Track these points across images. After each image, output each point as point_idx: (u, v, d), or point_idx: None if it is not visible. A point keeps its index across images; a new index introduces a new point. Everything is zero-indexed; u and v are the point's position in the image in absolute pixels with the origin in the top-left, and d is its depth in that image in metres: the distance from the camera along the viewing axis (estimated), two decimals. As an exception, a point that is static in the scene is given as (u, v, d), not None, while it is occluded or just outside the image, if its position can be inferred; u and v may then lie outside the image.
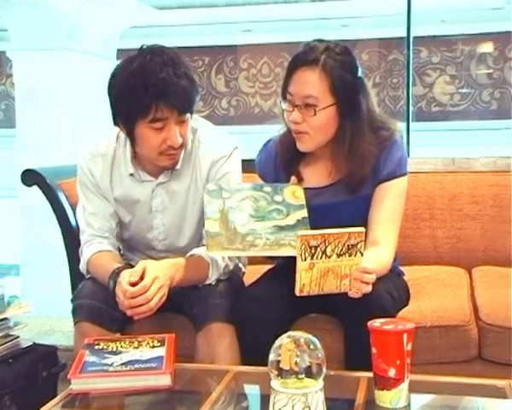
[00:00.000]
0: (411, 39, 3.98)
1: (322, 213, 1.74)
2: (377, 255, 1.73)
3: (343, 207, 1.80)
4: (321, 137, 1.77)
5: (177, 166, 1.85)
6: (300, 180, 1.86)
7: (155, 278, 1.66)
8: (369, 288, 1.58)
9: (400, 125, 1.92)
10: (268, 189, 1.78)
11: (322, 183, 1.85)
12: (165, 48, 1.76)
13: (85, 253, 1.87)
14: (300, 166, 1.87)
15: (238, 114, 6.35)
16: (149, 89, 1.67)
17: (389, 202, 1.80)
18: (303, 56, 1.75)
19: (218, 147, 1.87)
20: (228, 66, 6.41)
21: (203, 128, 1.90)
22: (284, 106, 1.79)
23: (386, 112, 1.88)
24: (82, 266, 1.89)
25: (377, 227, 1.78)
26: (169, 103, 1.69)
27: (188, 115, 1.77)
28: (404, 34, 4.01)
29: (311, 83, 1.72)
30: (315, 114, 1.73)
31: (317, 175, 1.86)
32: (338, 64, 1.73)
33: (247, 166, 1.99)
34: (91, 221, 1.89)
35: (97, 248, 1.87)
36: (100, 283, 1.81)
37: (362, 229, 1.55)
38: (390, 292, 1.71)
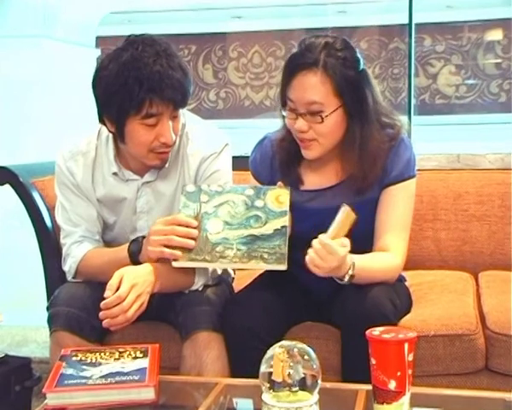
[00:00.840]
0: (414, 26, 3.99)
1: (323, 217, 1.72)
2: (379, 257, 1.75)
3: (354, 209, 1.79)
4: (330, 142, 1.77)
5: (165, 164, 1.85)
6: (301, 183, 1.86)
7: (133, 285, 1.66)
8: (318, 267, 1.58)
9: (404, 120, 1.92)
10: (250, 192, 1.77)
11: (324, 184, 1.86)
12: (157, 38, 1.76)
13: (76, 251, 1.87)
14: (301, 168, 1.87)
15: (227, 107, 6.35)
16: (143, 82, 1.67)
17: (398, 206, 1.80)
18: (301, 59, 1.73)
19: (208, 143, 1.87)
20: (216, 55, 6.41)
21: (191, 123, 1.91)
22: (285, 113, 1.78)
23: (382, 100, 1.87)
24: (70, 266, 1.88)
25: (385, 234, 1.79)
26: (164, 98, 1.69)
27: (181, 110, 1.78)
28: (406, 21, 4.03)
29: (314, 88, 1.71)
30: (322, 121, 1.72)
31: (320, 177, 1.86)
32: (340, 62, 1.72)
33: (238, 163, 1.99)
34: (77, 222, 1.89)
35: (91, 246, 1.87)
36: (80, 289, 1.81)
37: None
38: (391, 298, 1.72)
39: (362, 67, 1.76)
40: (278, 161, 1.88)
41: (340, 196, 1.81)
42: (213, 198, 1.75)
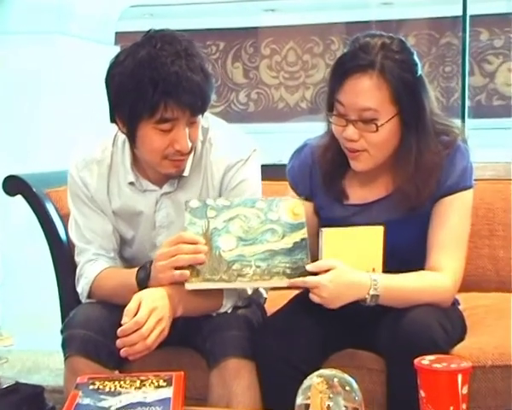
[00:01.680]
0: (468, 18, 3.98)
1: None
2: (422, 276, 1.75)
3: (396, 226, 1.79)
4: (382, 154, 1.78)
5: (185, 174, 1.87)
6: (345, 197, 1.87)
7: (152, 309, 1.67)
8: (324, 303, 1.65)
9: (461, 126, 1.92)
10: (262, 204, 1.78)
11: (371, 198, 1.86)
12: (178, 34, 1.78)
13: (89, 271, 1.90)
14: (346, 180, 1.88)
15: (259, 109, 6.37)
16: (159, 84, 1.69)
17: (452, 220, 1.80)
18: (355, 60, 1.73)
19: (234, 150, 1.89)
20: (247, 52, 6.44)
21: (215, 128, 1.92)
22: (332, 119, 1.78)
23: (437, 107, 1.87)
24: (82, 287, 1.91)
25: (437, 252, 1.78)
26: (180, 102, 1.71)
27: (200, 116, 1.79)
28: (460, 12, 4.02)
29: (368, 93, 1.71)
30: (376, 131, 1.72)
31: (367, 190, 1.87)
32: (398, 65, 1.72)
33: (269, 172, 2.00)
34: (91, 239, 1.92)
35: (106, 265, 1.90)
36: (97, 310, 1.83)
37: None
38: (442, 324, 1.71)
39: (420, 72, 1.77)
40: (321, 172, 1.89)
41: (388, 211, 1.81)
42: (222, 213, 1.77)
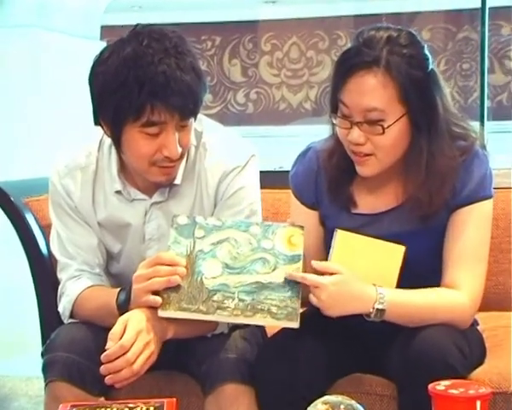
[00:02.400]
0: (488, 11, 3.99)
1: None
2: (435, 293, 1.75)
3: (409, 239, 1.78)
4: (390, 158, 1.78)
5: (177, 181, 1.88)
6: (354, 205, 1.88)
7: (139, 332, 1.68)
8: (322, 307, 1.66)
9: (480, 130, 1.92)
10: (256, 230, 1.77)
11: (381, 208, 1.87)
12: (168, 30, 1.79)
13: (71, 289, 1.90)
14: (354, 187, 1.89)
15: (258, 110, 6.37)
16: (145, 84, 1.70)
17: (469, 233, 1.80)
18: (358, 56, 1.74)
19: (230, 155, 1.90)
20: (245, 48, 6.45)
21: (210, 131, 1.93)
22: (336, 120, 1.79)
23: (453, 106, 1.88)
24: (64, 307, 1.91)
25: (454, 268, 1.79)
26: (169, 104, 1.72)
27: (191, 119, 1.80)
28: (479, 4, 4.03)
29: (373, 92, 1.72)
30: (383, 133, 1.73)
31: (377, 198, 1.88)
32: (405, 60, 1.73)
33: (270, 179, 2.01)
34: (74, 253, 1.92)
35: (90, 282, 1.90)
36: (82, 331, 1.83)
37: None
38: (459, 346, 1.71)
39: (431, 67, 1.77)
40: (326, 179, 1.90)
41: (400, 222, 1.82)
42: (211, 234, 1.76)
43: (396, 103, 1.73)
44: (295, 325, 1.69)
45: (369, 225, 1.85)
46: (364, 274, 1.71)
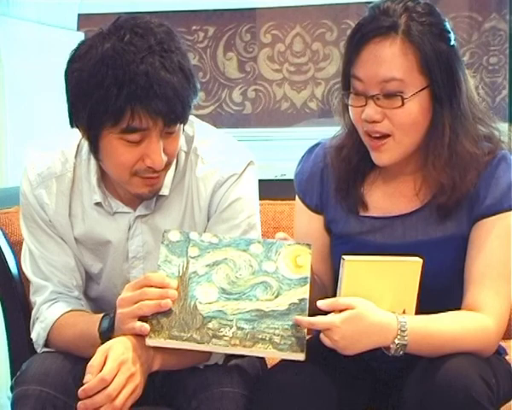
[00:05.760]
0: (519, -3, 4.01)
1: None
2: (459, 318, 1.76)
3: (427, 249, 1.81)
4: (409, 140, 1.80)
5: (164, 192, 1.90)
6: (364, 207, 1.89)
7: (121, 363, 1.67)
8: (327, 337, 1.66)
9: (508, 131, 1.93)
10: (258, 248, 1.76)
11: (395, 211, 1.89)
12: (154, 24, 1.79)
13: (47, 314, 1.91)
14: (365, 186, 1.91)
15: (257, 110, 6.37)
16: (124, 86, 1.70)
17: (494, 247, 1.82)
18: (374, 23, 1.78)
19: (225, 162, 1.91)
20: (242, 40, 6.46)
21: (202, 135, 1.95)
22: (349, 99, 1.81)
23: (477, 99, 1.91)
24: (38, 334, 1.92)
25: (476, 288, 1.80)
26: (151, 109, 1.72)
27: (179, 125, 1.81)
28: (508, -10, 4.05)
29: (392, 60, 1.76)
30: (402, 105, 1.75)
31: (391, 200, 1.90)
32: (426, 28, 1.77)
33: (270, 189, 2.01)
34: (49, 273, 1.93)
35: (68, 307, 1.90)
36: (58, 361, 1.84)
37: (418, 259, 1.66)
38: (484, 377, 1.72)
39: (453, 42, 1.80)
40: (334, 176, 1.91)
41: (415, 230, 1.83)
42: (206, 253, 1.75)
43: (416, 74, 1.76)
44: (301, 357, 1.69)
45: (380, 231, 1.86)
46: (380, 300, 1.71)
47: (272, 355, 1.75)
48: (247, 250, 1.76)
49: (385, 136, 1.79)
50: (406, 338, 1.69)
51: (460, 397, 1.62)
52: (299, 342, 1.69)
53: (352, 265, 1.70)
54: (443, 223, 1.84)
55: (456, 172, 1.80)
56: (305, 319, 1.69)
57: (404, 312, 1.72)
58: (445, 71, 1.78)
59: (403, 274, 1.71)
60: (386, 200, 1.90)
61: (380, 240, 1.85)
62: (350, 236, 1.86)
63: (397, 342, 1.69)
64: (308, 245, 1.75)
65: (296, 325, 1.69)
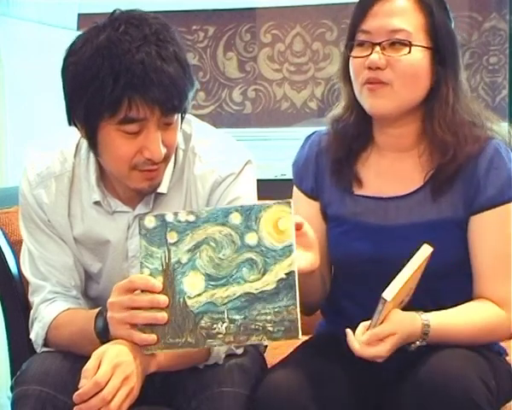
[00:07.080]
0: (518, -4, 4.01)
1: (381, 240, 1.82)
2: (475, 309, 1.80)
3: (419, 233, 1.83)
4: (407, 93, 1.84)
5: (163, 190, 1.89)
6: (358, 184, 1.91)
7: (116, 366, 1.65)
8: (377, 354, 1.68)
9: (508, 130, 1.95)
10: (237, 218, 1.66)
11: (390, 192, 1.90)
12: (149, 16, 1.79)
13: (45, 313, 1.91)
14: (359, 163, 1.93)
15: (257, 110, 6.37)
16: (120, 75, 1.70)
17: (500, 239, 1.85)
18: None
19: (223, 161, 1.91)
20: (242, 39, 6.47)
21: (200, 134, 1.95)
22: (353, 52, 1.85)
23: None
24: (37, 333, 1.92)
25: (486, 278, 1.84)
26: (148, 98, 1.72)
27: (177, 116, 1.80)
28: (509, -12, 4.04)
29: (404, 12, 1.82)
30: (409, 52, 1.80)
31: (387, 179, 1.91)
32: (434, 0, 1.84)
33: (269, 188, 2.01)
34: (47, 273, 1.93)
35: (65, 305, 1.90)
36: (57, 361, 1.84)
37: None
38: (484, 379, 1.71)
39: (453, 23, 1.87)
40: (330, 156, 1.93)
41: (409, 213, 1.84)
42: (185, 235, 1.67)
43: (424, 34, 1.83)
44: (296, 338, 1.64)
45: (372, 212, 1.88)
46: (403, 294, 1.74)
47: (269, 341, 1.71)
48: (226, 223, 1.66)
49: (384, 83, 1.82)
50: (429, 337, 1.74)
51: (459, 399, 1.62)
52: (292, 326, 1.61)
53: (391, 300, 1.69)
54: (438, 205, 1.86)
55: (460, 132, 1.84)
56: (356, 350, 1.70)
57: (408, 294, 1.77)
58: (450, 41, 1.85)
59: (420, 268, 1.73)
60: (381, 179, 1.91)
61: (372, 222, 1.87)
62: (345, 217, 1.88)
63: (418, 343, 1.74)
64: (288, 203, 1.65)
65: (288, 306, 1.61)
